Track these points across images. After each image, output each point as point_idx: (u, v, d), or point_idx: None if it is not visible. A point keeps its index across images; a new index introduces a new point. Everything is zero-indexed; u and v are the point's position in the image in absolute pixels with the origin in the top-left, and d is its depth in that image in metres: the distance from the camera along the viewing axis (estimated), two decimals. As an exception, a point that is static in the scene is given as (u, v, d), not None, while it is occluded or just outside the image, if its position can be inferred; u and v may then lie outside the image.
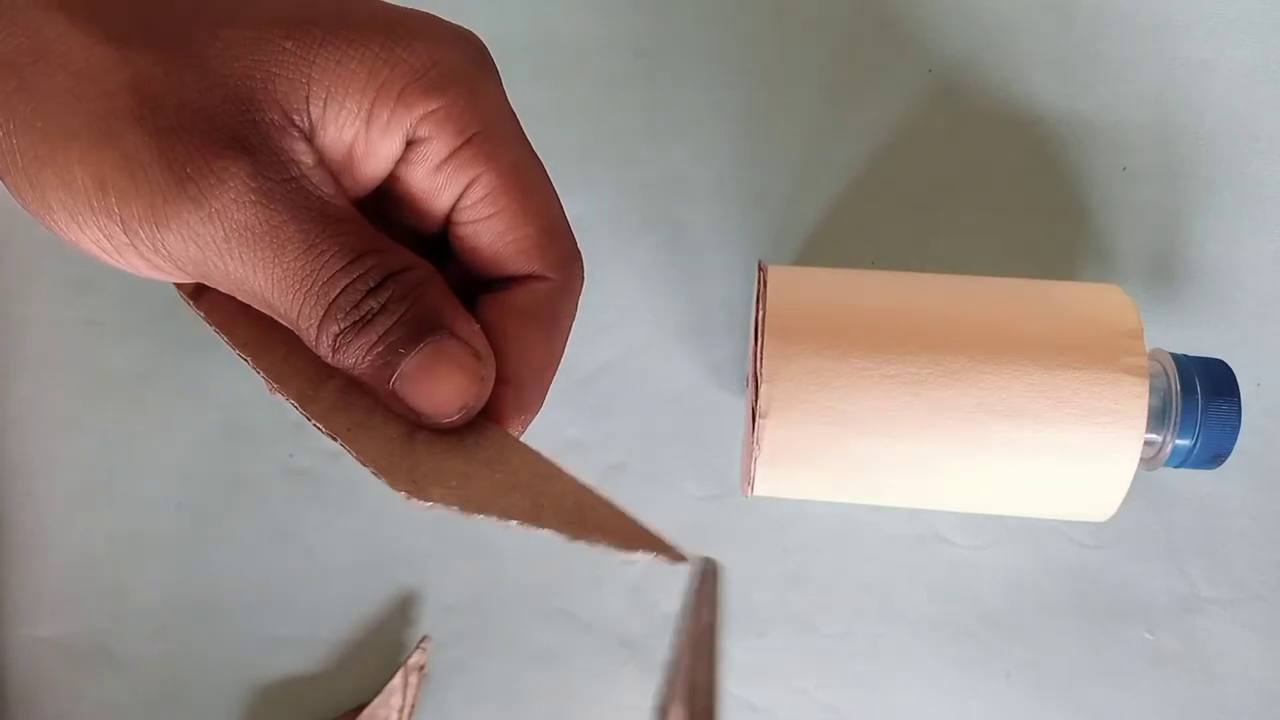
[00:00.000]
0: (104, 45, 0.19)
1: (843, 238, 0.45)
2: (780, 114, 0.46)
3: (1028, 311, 0.36)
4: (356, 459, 0.21)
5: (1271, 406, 0.42)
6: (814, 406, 0.34)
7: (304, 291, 0.20)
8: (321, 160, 0.21)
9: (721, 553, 0.43)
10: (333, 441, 0.21)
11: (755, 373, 0.35)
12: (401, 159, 0.22)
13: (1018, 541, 0.43)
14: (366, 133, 0.21)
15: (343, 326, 0.20)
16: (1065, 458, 0.34)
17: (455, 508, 0.20)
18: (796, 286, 0.36)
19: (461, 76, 0.21)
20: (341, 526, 0.44)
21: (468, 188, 0.22)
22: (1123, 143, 0.46)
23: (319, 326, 0.20)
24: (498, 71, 0.23)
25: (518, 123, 0.23)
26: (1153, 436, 0.36)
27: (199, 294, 0.24)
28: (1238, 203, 0.45)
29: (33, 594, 0.44)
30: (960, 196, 0.46)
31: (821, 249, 0.45)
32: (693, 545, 0.45)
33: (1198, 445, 0.36)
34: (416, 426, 0.22)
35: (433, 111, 0.21)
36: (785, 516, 0.43)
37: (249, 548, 0.44)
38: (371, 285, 0.20)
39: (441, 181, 0.22)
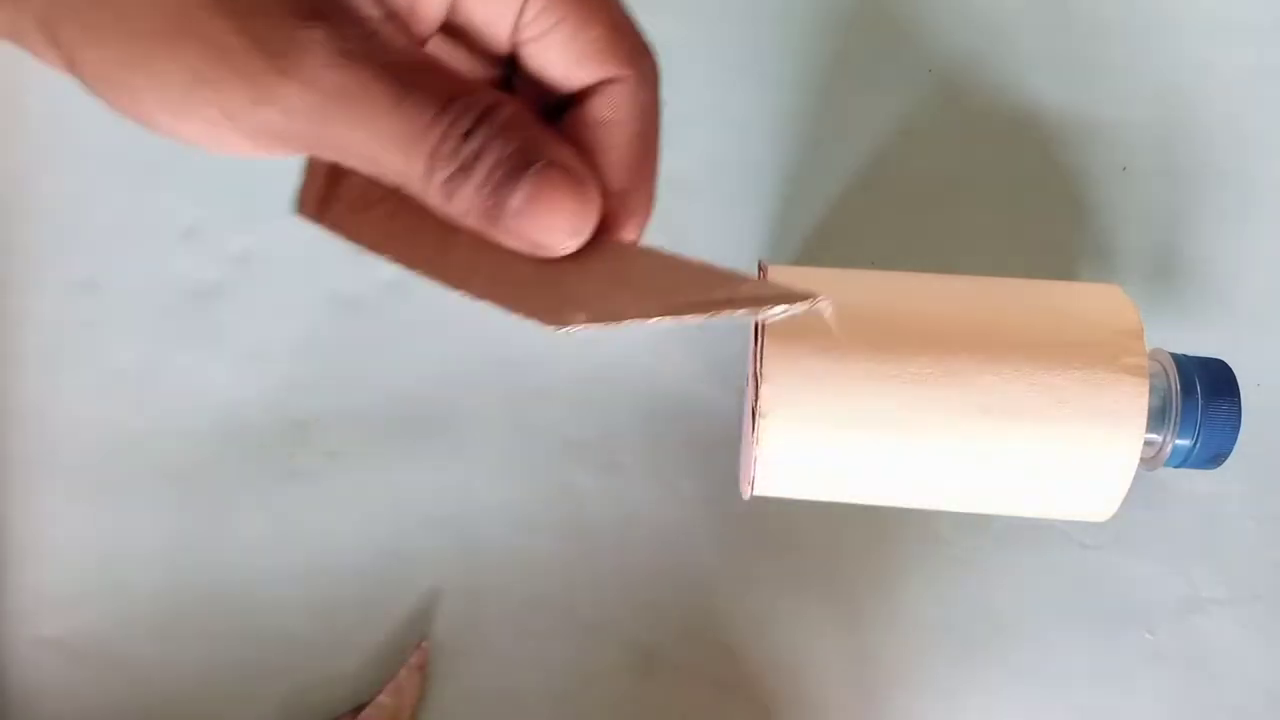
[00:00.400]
0: None
1: (843, 238, 0.45)
2: (780, 114, 0.46)
3: (1028, 311, 0.36)
4: (500, 309, 0.22)
5: (1272, 407, 0.42)
6: (814, 406, 0.34)
7: (404, 145, 0.20)
8: (390, 12, 0.21)
9: (721, 553, 0.43)
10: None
11: (755, 373, 0.35)
12: None
13: (1018, 541, 0.43)
14: None
15: (449, 173, 0.20)
16: (1065, 458, 0.34)
17: (598, 326, 0.21)
18: (796, 287, 0.36)
19: None
20: (341, 527, 0.44)
21: (524, 5, 0.22)
22: (1123, 143, 0.46)
23: (426, 177, 0.21)
24: None
25: None
26: (1153, 436, 0.36)
27: (322, 213, 0.25)
28: (1238, 203, 0.45)
29: (33, 594, 0.44)
30: (960, 196, 0.46)
31: (821, 249, 0.45)
32: (693, 545, 0.45)
33: (1198, 445, 0.36)
34: (542, 261, 0.22)
35: None
36: (785, 516, 0.43)
37: (249, 548, 0.44)
38: (466, 128, 0.20)
39: (498, 6, 0.22)
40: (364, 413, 0.45)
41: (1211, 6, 0.46)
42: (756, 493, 0.37)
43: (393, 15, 0.21)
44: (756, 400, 0.34)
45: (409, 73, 0.20)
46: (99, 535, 0.45)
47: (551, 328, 0.21)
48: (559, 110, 0.24)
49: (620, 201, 0.23)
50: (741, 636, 0.43)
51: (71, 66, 0.20)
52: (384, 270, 0.46)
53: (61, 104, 0.47)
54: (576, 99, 0.23)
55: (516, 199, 0.21)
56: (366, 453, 0.45)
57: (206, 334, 0.46)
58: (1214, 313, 0.44)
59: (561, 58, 0.22)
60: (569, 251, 0.22)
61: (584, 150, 0.23)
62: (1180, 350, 0.38)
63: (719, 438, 0.44)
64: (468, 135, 0.20)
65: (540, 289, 0.22)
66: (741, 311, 0.20)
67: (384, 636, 0.43)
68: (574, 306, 0.21)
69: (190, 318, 0.46)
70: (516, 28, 0.22)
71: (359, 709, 0.42)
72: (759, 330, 0.35)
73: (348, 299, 0.46)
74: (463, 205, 0.21)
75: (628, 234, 0.24)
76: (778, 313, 0.20)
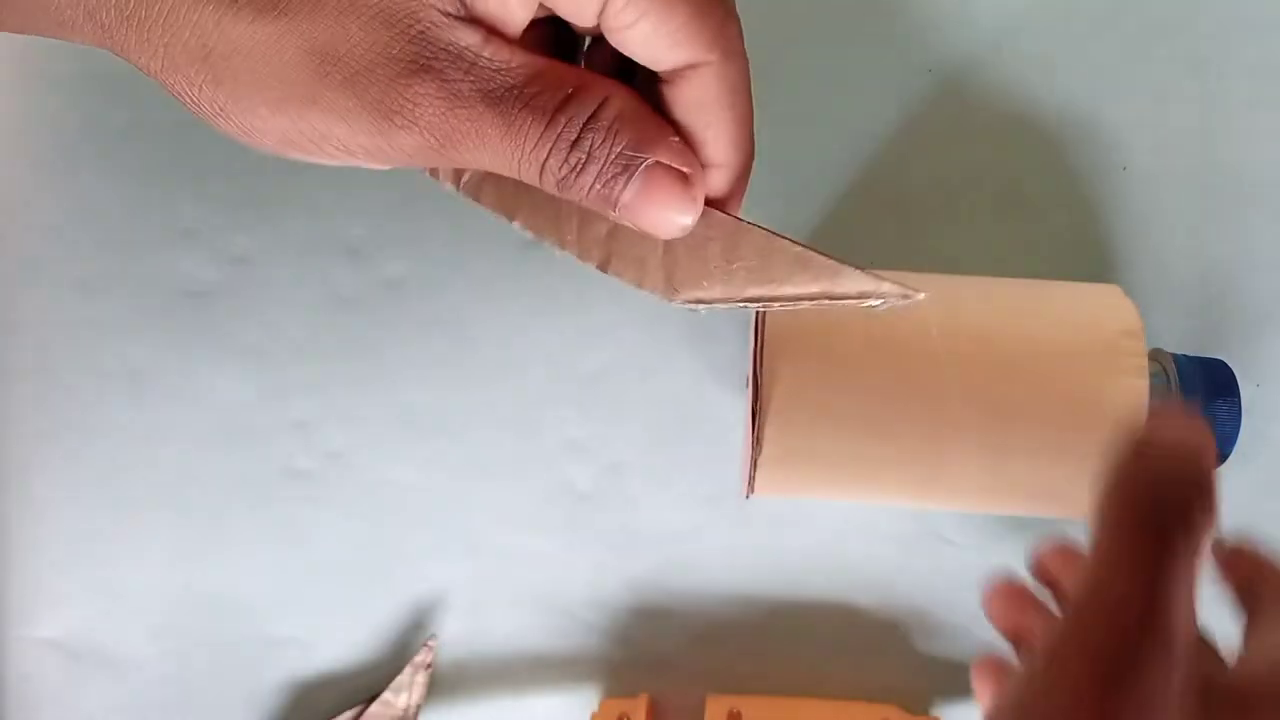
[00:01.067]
0: (260, 23, 0.20)
1: (843, 238, 0.45)
2: (780, 114, 0.46)
3: (1027, 312, 0.36)
4: (622, 281, 0.25)
5: (1271, 407, 0.42)
6: (814, 406, 0.34)
7: (518, 162, 0.22)
8: (488, 31, 0.22)
9: (721, 553, 0.43)
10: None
11: (755, 373, 0.35)
12: None
13: (1018, 541, 0.43)
14: None
15: (560, 177, 0.22)
16: (1065, 457, 0.34)
17: (712, 303, 0.24)
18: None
19: None
20: (343, 527, 0.44)
21: (605, 3, 0.22)
22: (1123, 143, 0.46)
23: (542, 182, 0.23)
24: None
25: None
26: None
27: (458, 178, 0.26)
28: (1238, 203, 0.45)
29: (33, 594, 0.44)
30: (960, 196, 0.46)
31: (822, 248, 0.45)
32: (693, 545, 0.45)
33: None
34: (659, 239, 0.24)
35: None
36: (785, 516, 0.43)
37: (249, 548, 0.44)
38: (574, 137, 0.22)
39: (581, 3, 0.23)
40: (364, 413, 0.45)
41: (1212, 6, 0.46)
42: (757, 493, 0.37)
43: (490, 31, 0.22)
44: (756, 400, 0.34)
45: (514, 96, 0.22)
46: (99, 535, 0.45)
47: (674, 302, 0.24)
48: (654, 77, 0.25)
49: (721, 175, 0.24)
50: (742, 638, 0.43)
51: (202, 107, 0.22)
52: (384, 270, 0.46)
53: (62, 104, 0.47)
54: (670, 75, 0.24)
55: (627, 195, 0.23)
56: (366, 453, 0.45)
57: (206, 334, 0.46)
58: (1214, 313, 0.44)
59: (647, 47, 0.23)
60: (680, 235, 0.24)
61: (682, 130, 0.24)
62: (1180, 350, 0.38)
63: (719, 438, 0.44)
64: (575, 143, 0.22)
65: (658, 263, 0.24)
66: (842, 302, 0.23)
67: (384, 636, 0.43)
68: (688, 285, 0.24)
69: (190, 318, 0.46)
70: (602, 18, 0.23)
71: (361, 709, 0.42)
72: (759, 330, 0.35)
73: (348, 299, 0.46)
74: (577, 198, 0.23)
75: (731, 207, 0.25)
76: (877, 304, 0.23)
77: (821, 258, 0.23)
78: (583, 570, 0.44)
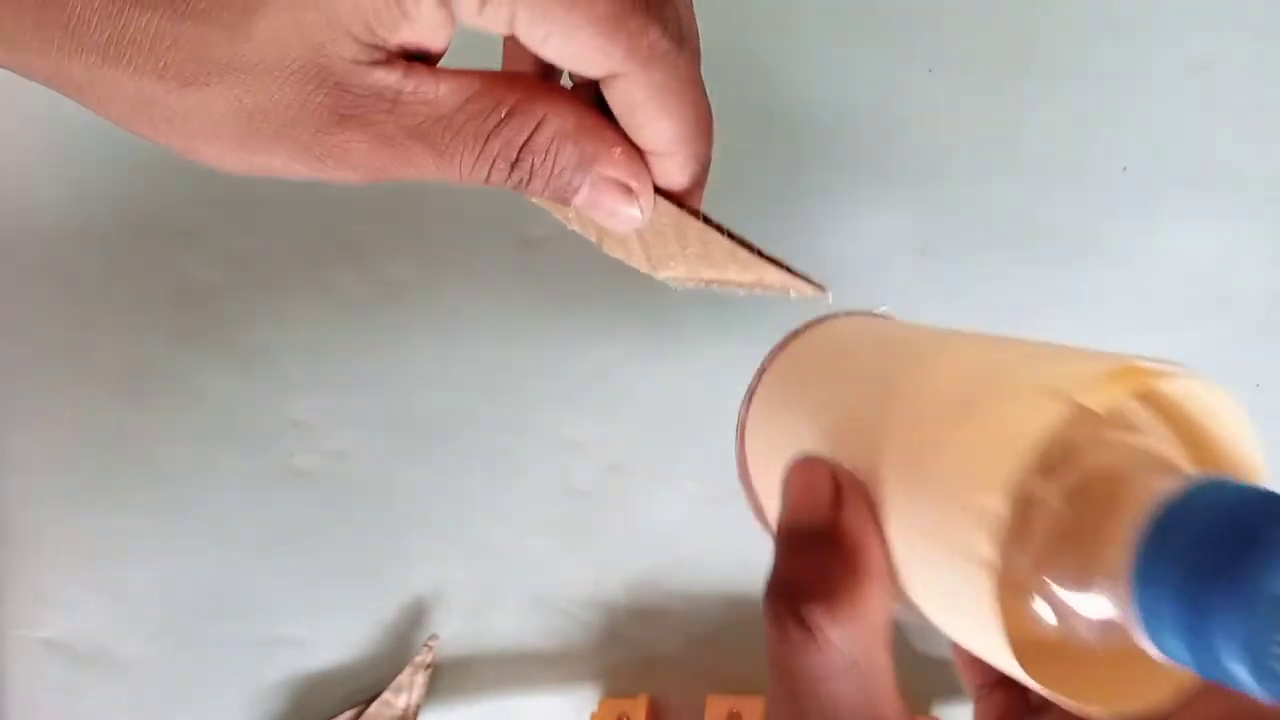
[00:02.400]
0: (188, 91, 0.21)
1: (841, 237, 0.45)
2: (780, 114, 0.46)
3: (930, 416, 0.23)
4: (615, 258, 0.27)
5: (1271, 407, 0.42)
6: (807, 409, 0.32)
7: (461, 180, 0.23)
8: (408, 65, 0.22)
9: (721, 553, 0.43)
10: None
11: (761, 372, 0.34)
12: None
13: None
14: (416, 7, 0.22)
15: (510, 187, 0.23)
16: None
17: (682, 280, 0.27)
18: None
19: None
20: (343, 527, 0.44)
21: (514, 21, 0.22)
22: (1123, 143, 0.46)
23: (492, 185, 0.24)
24: None
25: None
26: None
27: None
28: (1237, 202, 0.45)
29: (33, 594, 0.44)
30: (960, 195, 0.46)
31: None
32: (693, 545, 0.45)
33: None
34: None
35: None
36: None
37: (249, 548, 0.44)
38: (512, 158, 0.23)
39: (495, 24, 0.23)
40: (364, 413, 0.45)
41: (1211, 6, 0.46)
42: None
43: (411, 63, 0.22)
44: (750, 403, 0.34)
45: (442, 126, 0.22)
46: (99, 535, 0.45)
47: (654, 275, 0.27)
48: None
49: (673, 163, 0.25)
50: (742, 638, 0.43)
51: (160, 144, 0.24)
52: (384, 270, 0.46)
53: (62, 105, 0.47)
54: (601, 81, 0.24)
55: (577, 200, 0.24)
56: (366, 453, 0.45)
57: (206, 334, 0.46)
58: (1214, 312, 0.44)
59: (563, 60, 0.23)
60: (635, 228, 0.25)
61: (625, 128, 0.24)
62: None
63: (719, 438, 0.44)
64: (516, 163, 0.23)
65: (637, 243, 0.26)
66: (767, 291, 0.25)
67: (384, 636, 0.43)
68: (662, 264, 0.26)
69: (190, 318, 0.46)
70: (516, 34, 0.23)
71: (361, 709, 0.42)
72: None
73: (348, 299, 0.46)
74: (533, 198, 0.24)
75: (693, 192, 0.26)
76: (794, 297, 0.25)
77: (746, 253, 0.25)
78: (583, 570, 0.44)
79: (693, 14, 0.24)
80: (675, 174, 0.25)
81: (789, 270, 0.24)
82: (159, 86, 0.21)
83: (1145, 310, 0.44)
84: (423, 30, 0.21)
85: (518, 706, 0.42)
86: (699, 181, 0.26)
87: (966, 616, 0.20)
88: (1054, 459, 0.19)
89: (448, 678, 0.43)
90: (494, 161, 0.23)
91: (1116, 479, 0.19)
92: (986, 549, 0.18)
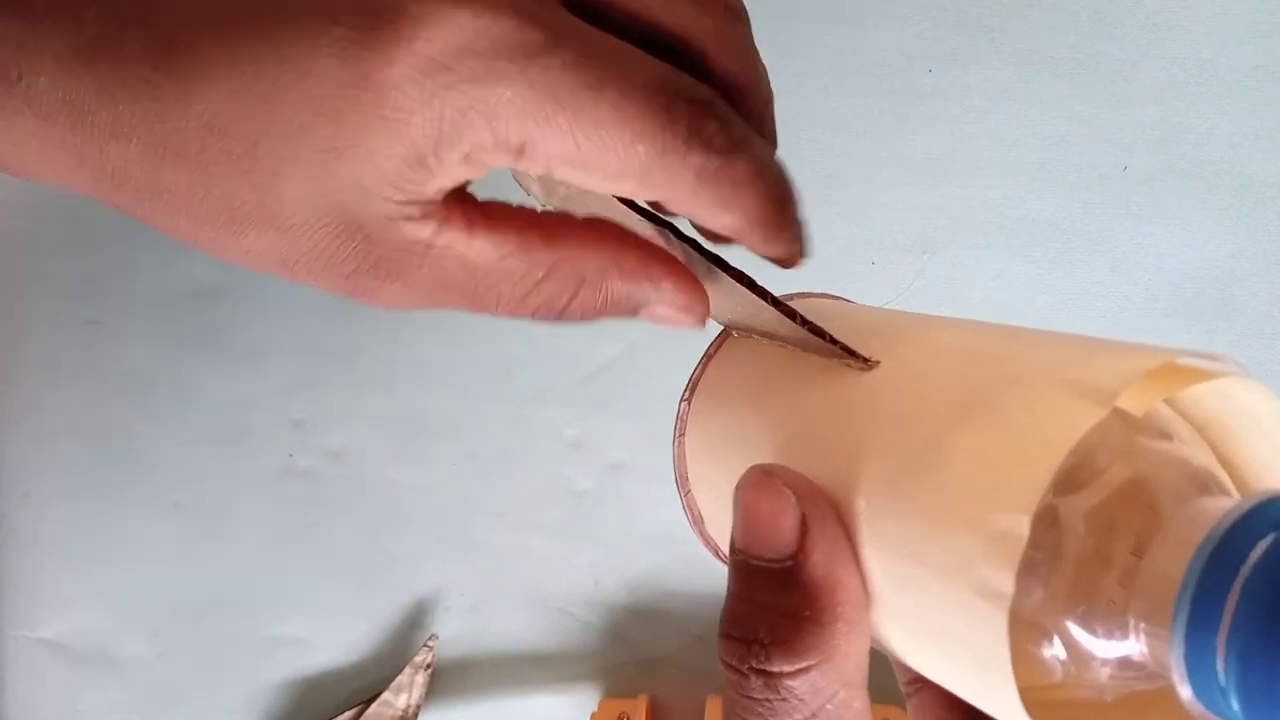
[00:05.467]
0: (225, 234, 0.21)
1: (841, 233, 0.45)
2: (780, 114, 0.46)
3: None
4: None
5: (1271, 406, 0.42)
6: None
7: (499, 316, 0.23)
8: (444, 216, 0.21)
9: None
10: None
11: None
12: None
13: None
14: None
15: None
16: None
17: (736, 329, 0.26)
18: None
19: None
20: (342, 527, 0.44)
21: (550, 170, 0.22)
22: (1123, 143, 0.46)
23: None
24: None
25: None
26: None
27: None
28: (1238, 203, 0.45)
29: (32, 594, 0.44)
30: (960, 194, 0.46)
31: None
32: (692, 545, 0.45)
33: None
34: None
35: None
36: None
37: (249, 548, 0.44)
38: (554, 316, 0.23)
39: (528, 167, 0.23)
40: (364, 413, 0.45)
41: (1211, 6, 0.46)
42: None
43: (444, 220, 0.21)
44: (693, 395, 0.29)
45: (475, 282, 0.22)
46: (99, 535, 0.45)
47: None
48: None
49: (743, 238, 0.24)
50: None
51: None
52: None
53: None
54: None
55: (644, 315, 0.24)
56: (366, 453, 0.45)
57: (206, 334, 0.46)
58: (1214, 313, 0.44)
59: (611, 193, 0.23)
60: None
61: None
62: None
63: (719, 438, 0.44)
64: (564, 312, 0.23)
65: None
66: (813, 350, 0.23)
67: (384, 636, 0.43)
68: (720, 316, 0.26)
69: (190, 318, 0.46)
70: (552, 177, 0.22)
71: (361, 709, 0.42)
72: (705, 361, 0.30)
73: (348, 300, 0.46)
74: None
75: (769, 245, 0.24)
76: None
77: (792, 325, 0.23)
78: (583, 570, 0.44)
79: (761, 98, 0.25)
80: (757, 245, 0.23)
81: (831, 341, 0.22)
82: (195, 227, 0.22)
83: (1145, 310, 0.44)
84: (453, 179, 0.20)
85: (518, 707, 0.42)
86: (776, 238, 0.24)
87: (960, 655, 0.17)
88: (1080, 473, 0.16)
89: (448, 678, 0.43)
90: (535, 313, 0.22)
91: (1157, 499, 0.16)
92: (1001, 580, 0.15)
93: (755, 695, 0.18)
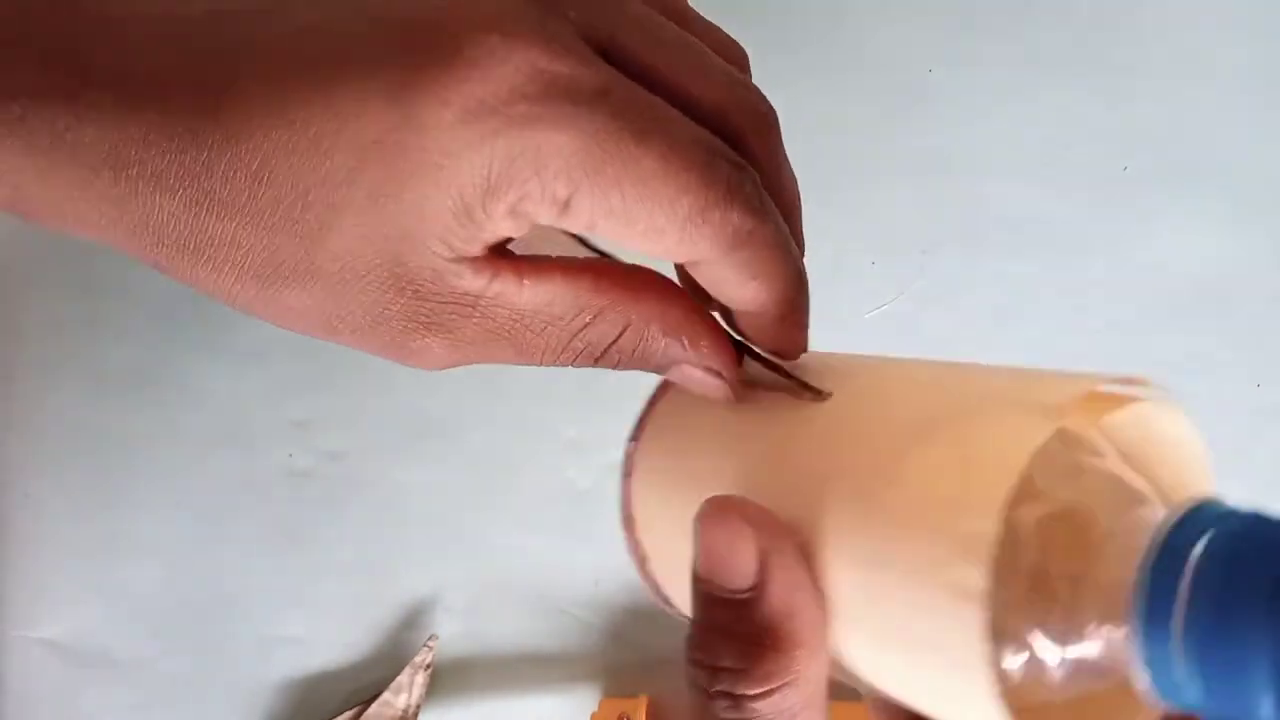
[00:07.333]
0: (266, 289, 0.22)
1: (841, 233, 0.45)
2: (780, 114, 0.46)
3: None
4: None
5: (1272, 407, 0.42)
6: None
7: (539, 365, 0.23)
8: (495, 269, 0.21)
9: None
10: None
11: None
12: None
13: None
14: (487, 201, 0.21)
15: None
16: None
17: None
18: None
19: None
20: (342, 527, 0.44)
21: (592, 228, 0.22)
22: (1123, 142, 0.46)
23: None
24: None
25: None
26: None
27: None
28: (1237, 203, 0.45)
29: (32, 594, 0.44)
30: (959, 195, 0.46)
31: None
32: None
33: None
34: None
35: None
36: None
37: (249, 548, 0.44)
38: (596, 355, 0.22)
39: (570, 225, 0.22)
40: (364, 413, 0.45)
41: (1211, 6, 0.46)
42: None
43: (494, 273, 0.21)
44: (642, 430, 0.29)
45: (523, 328, 0.22)
46: (99, 535, 0.45)
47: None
48: None
49: (764, 315, 0.24)
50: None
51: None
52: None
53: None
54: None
55: (673, 378, 0.24)
56: (366, 453, 0.45)
57: (206, 334, 0.46)
58: (1214, 312, 0.44)
59: (648, 254, 0.23)
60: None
61: (710, 292, 0.24)
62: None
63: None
64: (600, 358, 0.23)
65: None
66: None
67: (384, 636, 0.43)
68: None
69: (190, 318, 0.46)
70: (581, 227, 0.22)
71: (361, 709, 0.42)
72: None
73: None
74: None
75: (787, 325, 0.24)
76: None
77: (745, 360, 0.24)
78: (583, 570, 0.43)
79: (780, 168, 0.25)
80: (770, 323, 0.24)
81: (786, 375, 0.23)
82: (237, 284, 0.22)
83: (1145, 310, 0.44)
84: (498, 234, 0.20)
85: (517, 706, 0.42)
86: (794, 323, 0.24)
87: (934, 662, 0.17)
88: (1029, 486, 0.17)
89: (447, 678, 0.43)
90: (577, 358, 0.22)
91: (1101, 509, 0.17)
92: (975, 577, 0.16)
93: (723, 715, 0.19)
